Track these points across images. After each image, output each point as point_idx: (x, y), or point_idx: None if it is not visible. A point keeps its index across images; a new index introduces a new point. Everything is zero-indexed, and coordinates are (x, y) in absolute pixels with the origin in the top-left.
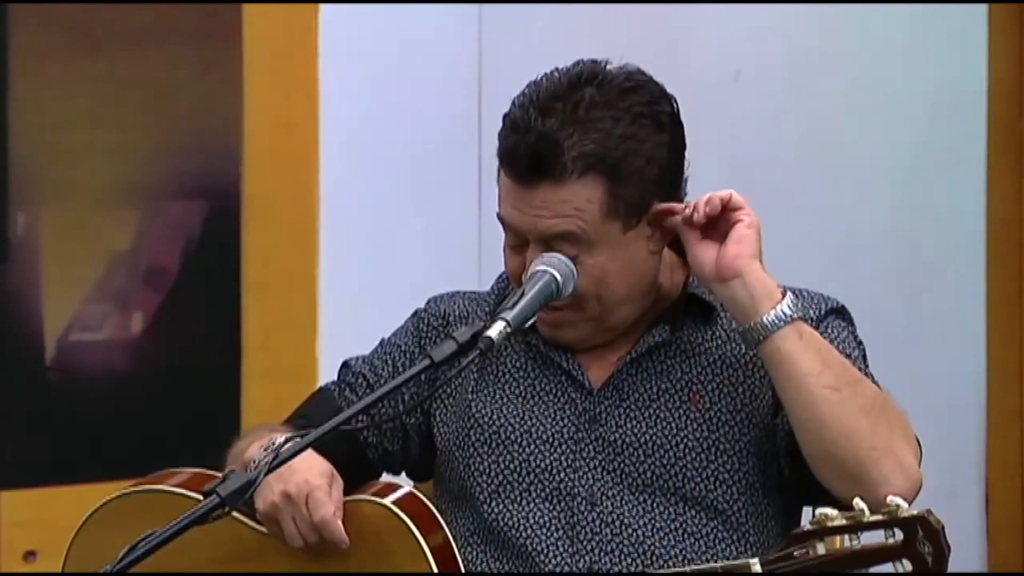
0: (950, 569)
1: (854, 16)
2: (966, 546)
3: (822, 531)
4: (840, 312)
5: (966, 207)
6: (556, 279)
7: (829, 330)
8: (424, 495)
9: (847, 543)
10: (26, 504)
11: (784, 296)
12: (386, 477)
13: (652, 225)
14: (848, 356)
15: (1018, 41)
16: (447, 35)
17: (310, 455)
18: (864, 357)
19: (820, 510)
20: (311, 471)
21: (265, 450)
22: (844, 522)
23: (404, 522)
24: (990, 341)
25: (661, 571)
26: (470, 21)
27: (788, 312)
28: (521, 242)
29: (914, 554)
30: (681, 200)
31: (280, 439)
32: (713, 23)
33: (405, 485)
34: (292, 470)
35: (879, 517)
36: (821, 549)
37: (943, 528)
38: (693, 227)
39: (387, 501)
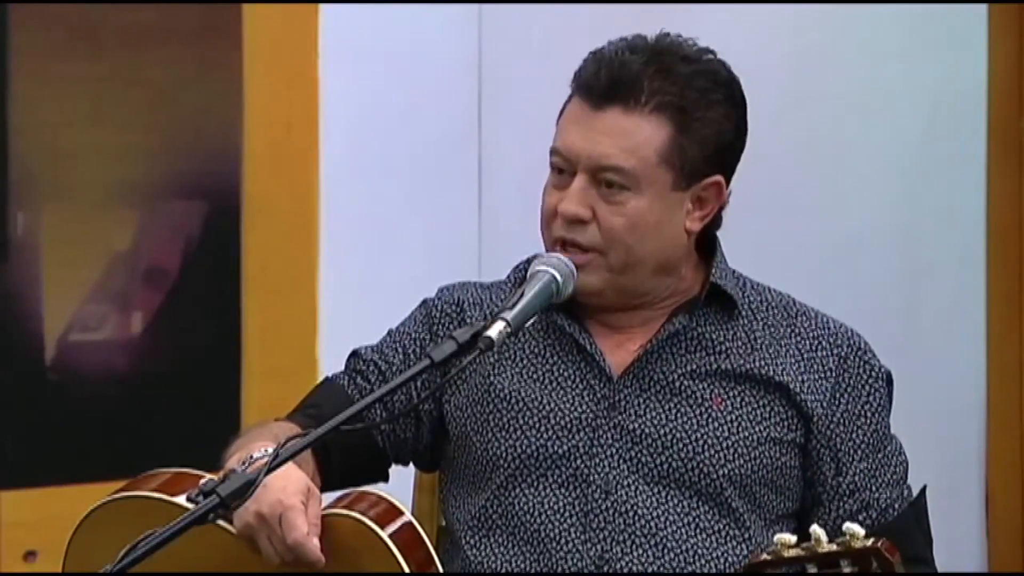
0: (950, 569)
1: (854, 16)
2: (966, 546)
3: (778, 560)
4: (888, 381)
5: (966, 207)
6: (556, 279)
7: (872, 396)
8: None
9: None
10: (26, 504)
11: None
12: (389, 474)
13: (695, 202)
14: (877, 424)
15: (1018, 41)
16: (447, 35)
17: (287, 470)
18: (888, 419)
19: (777, 537)
20: (285, 491)
21: (243, 464)
22: (800, 552)
23: (384, 542)
24: (990, 340)
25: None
26: (470, 21)
27: None
28: (570, 172)
29: None
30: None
31: (257, 453)
32: (713, 23)
33: (389, 497)
34: (266, 489)
35: (834, 548)
36: None
37: (898, 558)
38: None
39: (372, 523)
